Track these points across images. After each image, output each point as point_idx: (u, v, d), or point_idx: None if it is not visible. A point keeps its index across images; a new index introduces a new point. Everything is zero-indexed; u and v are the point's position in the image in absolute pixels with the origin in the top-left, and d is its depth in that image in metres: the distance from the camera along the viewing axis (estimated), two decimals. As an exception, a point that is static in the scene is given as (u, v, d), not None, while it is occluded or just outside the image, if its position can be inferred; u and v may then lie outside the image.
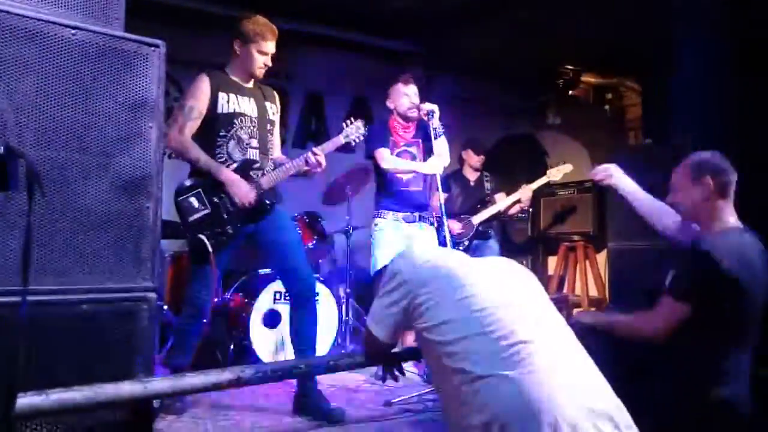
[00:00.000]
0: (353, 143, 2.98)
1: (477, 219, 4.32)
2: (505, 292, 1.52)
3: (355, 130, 2.93)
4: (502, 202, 4.41)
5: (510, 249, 5.12)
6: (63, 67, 1.61)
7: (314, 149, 2.79)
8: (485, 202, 4.43)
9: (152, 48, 1.77)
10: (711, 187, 1.98)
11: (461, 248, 4.25)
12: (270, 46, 2.77)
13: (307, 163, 2.76)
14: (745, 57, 3.21)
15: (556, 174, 4.37)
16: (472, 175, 4.51)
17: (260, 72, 2.80)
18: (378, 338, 1.64)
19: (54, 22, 1.61)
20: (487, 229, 4.41)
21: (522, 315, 1.46)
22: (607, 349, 1.93)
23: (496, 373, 1.34)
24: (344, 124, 2.96)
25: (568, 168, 4.36)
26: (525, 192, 4.37)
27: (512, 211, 4.51)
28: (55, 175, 1.58)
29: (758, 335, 1.92)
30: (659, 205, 2.28)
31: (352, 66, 5.60)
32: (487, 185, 4.50)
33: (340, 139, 2.91)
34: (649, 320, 1.94)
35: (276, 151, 2.97)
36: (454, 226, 4.26)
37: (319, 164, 2.76)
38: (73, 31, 1.63)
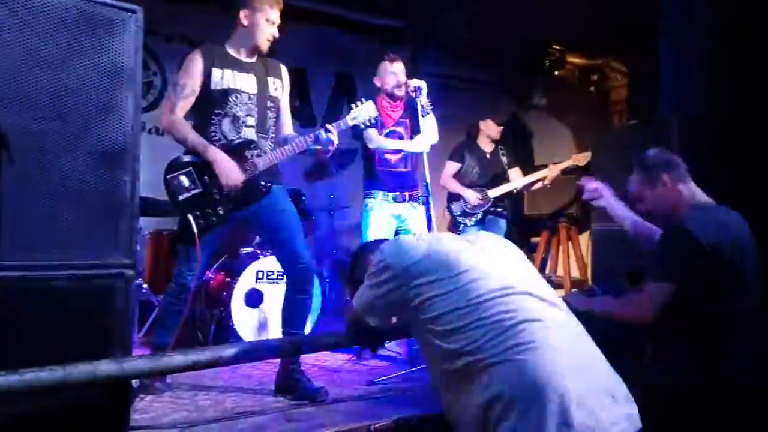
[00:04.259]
0: (362, 126, 2.85)
1: (493, 193, 4.28)
2: (505, 272, 1.52)
3: (364, 112, 2.77)
4: (525, 178, 4.37)
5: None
6: (35, 31, 1.54)
7: (327, 126, 2.67)
8: (503, 177, 4.38)
9: (129, 14, 1.69)
10: (669, 181, 2.06)
11: (474, 220, 4.24)
12: (276, 15, 2.65)
13: (318, 141, 2.66)
14: (731, 35, 3.19)
15: (582, 159, 4.29)
16: (487, 147, 4.42)
17: (267, 44, 2.67)
18: (369, 323, 1.63)
19: (24, -16, 1.52)
20: (502, 205, 4.36)
21: (523, 295, 1.47)
22: (596, 330, 1.93)
23: (501, 356, 1.36)
24: (352, 106, 2.81)
25: (588, 155, 4.21)
26: (553, 171, 4.35)
27: (533, 188, 4.49)
28: (27, 145, 1.51)
29: (757, 300, 1.95)
30: (647, 227, 2.31)
31: (336, 42, 5.49)
32: (504, 159, 4.44)
33: (348, 122, 2.77)
34: (635, 305, 1.96)
35: (286, 129, 2.82)
36: (472, 196, 4.22)
37: (332, 142, 2.66)
38: (44, -6, 1.55)
